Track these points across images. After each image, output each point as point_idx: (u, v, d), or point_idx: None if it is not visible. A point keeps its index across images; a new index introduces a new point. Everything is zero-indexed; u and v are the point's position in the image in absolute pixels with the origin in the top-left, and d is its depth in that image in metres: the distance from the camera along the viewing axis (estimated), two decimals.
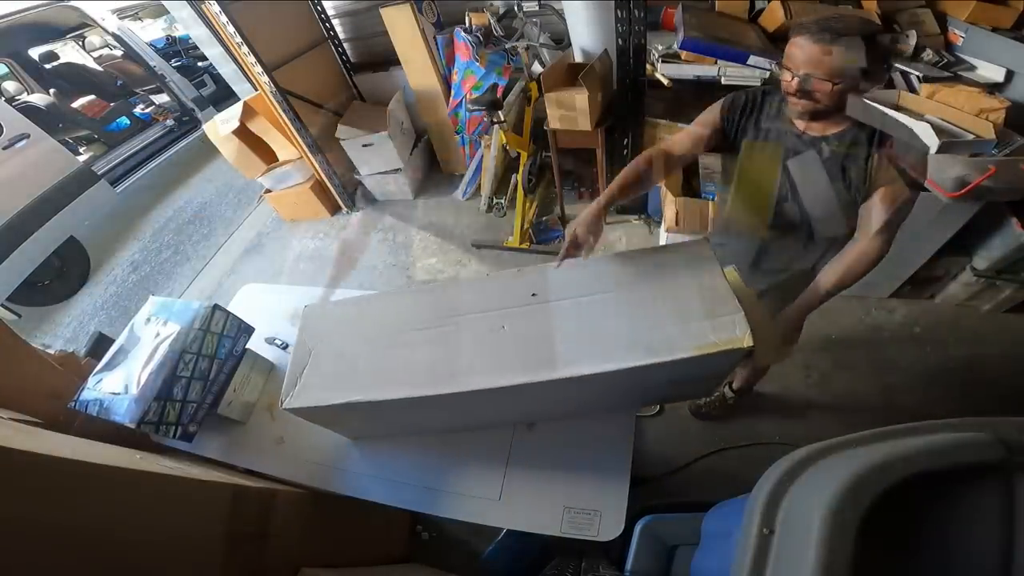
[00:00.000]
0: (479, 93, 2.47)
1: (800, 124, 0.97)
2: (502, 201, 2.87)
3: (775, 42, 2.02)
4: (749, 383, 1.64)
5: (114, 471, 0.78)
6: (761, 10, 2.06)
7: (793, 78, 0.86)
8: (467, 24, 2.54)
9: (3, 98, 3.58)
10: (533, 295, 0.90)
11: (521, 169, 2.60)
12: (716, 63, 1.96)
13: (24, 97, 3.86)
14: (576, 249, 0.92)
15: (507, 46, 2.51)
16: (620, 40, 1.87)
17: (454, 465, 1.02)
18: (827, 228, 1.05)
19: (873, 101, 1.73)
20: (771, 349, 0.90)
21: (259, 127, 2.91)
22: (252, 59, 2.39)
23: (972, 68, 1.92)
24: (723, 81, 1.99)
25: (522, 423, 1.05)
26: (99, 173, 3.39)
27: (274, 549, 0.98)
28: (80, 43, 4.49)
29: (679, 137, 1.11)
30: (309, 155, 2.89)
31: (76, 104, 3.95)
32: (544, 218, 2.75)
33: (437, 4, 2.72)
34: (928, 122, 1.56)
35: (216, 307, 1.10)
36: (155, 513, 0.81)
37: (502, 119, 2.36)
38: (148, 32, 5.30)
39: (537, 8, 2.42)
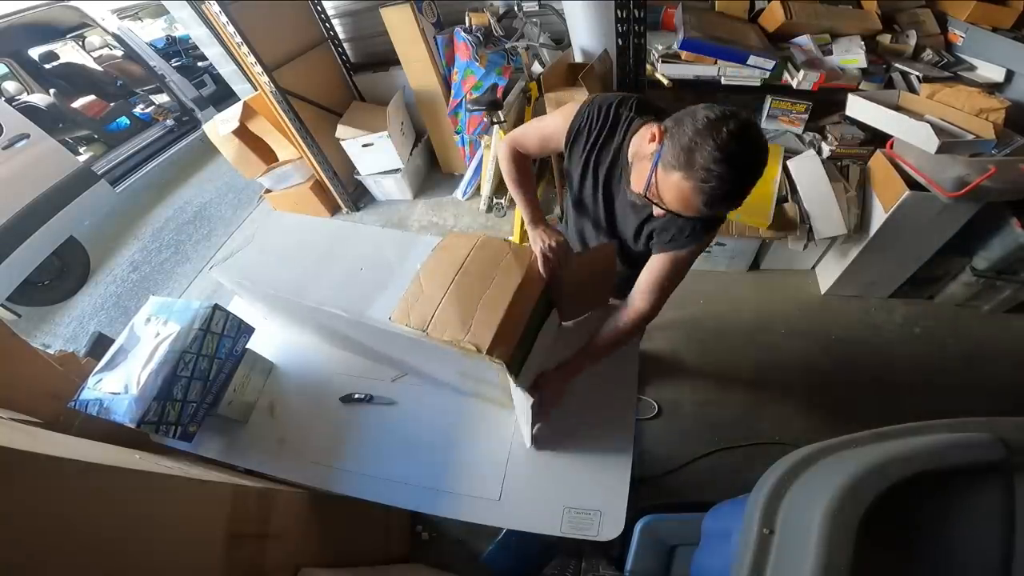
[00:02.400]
0: (479, 93, 2.47)
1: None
2: (502, 201, 2.87)
3: (775, 42, 2.03)
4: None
5: (114, 471, 0.78)
6: (761, 10, 2.06)
7: (665, 212, 0.77)
8: (467, 24, 2.54)
9: (3, 98, 3.58)
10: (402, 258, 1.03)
11: None
12: (716, 63, 1.96)
13: (24, 97, 3.85)
14: (551, 263, 0.92)
15: (507, 46, 2.51)
16: (620, 40, 1.87)
17: (454, 465, 1.02)
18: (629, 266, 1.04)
19: (873, 101, 1.75)
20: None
21: (259, 127, 2.91)
22: (252, 59, 2.38)
23: (972, 68, 1.93)
24: (723, 81, 1.99)
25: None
26: (99, 173, 3.39)
27: (274, 549, 0.98)
28: (80, 43, 4.48)
29: (530, 138, 1.05)
30: (309, 155, 2.89)
31: (76, 104, 3.95)
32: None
33: (437, 4, 2.72)
34: (928, 122, 1.56)
35: (216, 307, 1.10)
36: (155, 513, 0.81)
37: (502, 119, 2.36)
38: (148, 32, 5.29)
39: (537, 8, 2.41)
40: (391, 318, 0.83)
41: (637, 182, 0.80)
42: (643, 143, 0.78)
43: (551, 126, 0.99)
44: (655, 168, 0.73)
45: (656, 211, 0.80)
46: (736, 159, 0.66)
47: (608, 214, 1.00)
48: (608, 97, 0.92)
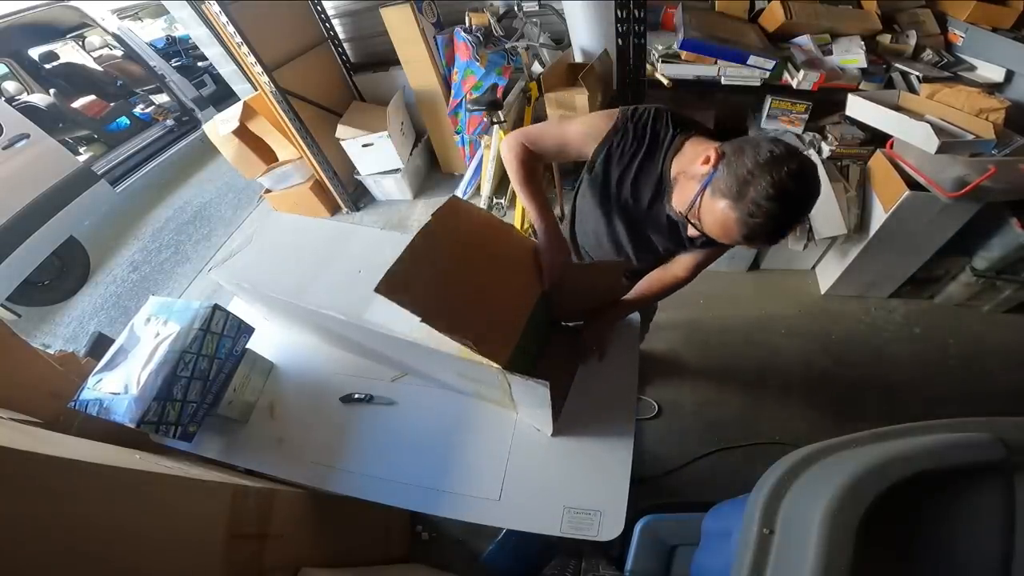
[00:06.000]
0: (479, 93, 2.47)
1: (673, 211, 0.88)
2: (502, 201, 2.87)
3: (775, 42, 2.03)
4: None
5: (114, 471, 0.78)
6: (761, 10, 2.06)
7: (699, 235, 0.79)
8: (467, 24, 2.54)
9: (3, 98, 3.58)
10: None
11: None
12: (716, 63, 1.96)
13: (24, 97, 3.85)
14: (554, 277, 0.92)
15: (507, 46, 2.51)
16: (620, 40, 1.87)
17: (454, 465, 1.02)
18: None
19: (873, 101, 1.75)
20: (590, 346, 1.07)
21: (259, 127, 2.91)
22: (252, 59, 2.39)
23: (972, 68, 1.93)
24: (723, 81, 1.98)
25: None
26: (99, 173, 3.39)
27: (274, 549, 0.98)
28: (80, 43, 4.48)
29: (549, 141, 0.97)
30: (309, 155, 2.89)
31: (76, 104, 3.95)
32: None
33: (437, 4, 2.72)
34: (928, 122, 1.56)
35: (216, 307, 1.10)
36: (155, 513, 0.81)
37: (502, 119, 2.36)
38: (148, 32, 5.29)
39: (537, 8, 2.41)
40: (376, 289, 0.76)
41: (680, 200, 0.79)
42: (692, 163, 0.78)
43: (574, 136, 0.94)
44: (702, 191, 0.73)
45: (691, 231, 0.80)
46: (788, 199, 0.65)
47: (638, 232, 1.02)
48: (640, 114, 0.88)
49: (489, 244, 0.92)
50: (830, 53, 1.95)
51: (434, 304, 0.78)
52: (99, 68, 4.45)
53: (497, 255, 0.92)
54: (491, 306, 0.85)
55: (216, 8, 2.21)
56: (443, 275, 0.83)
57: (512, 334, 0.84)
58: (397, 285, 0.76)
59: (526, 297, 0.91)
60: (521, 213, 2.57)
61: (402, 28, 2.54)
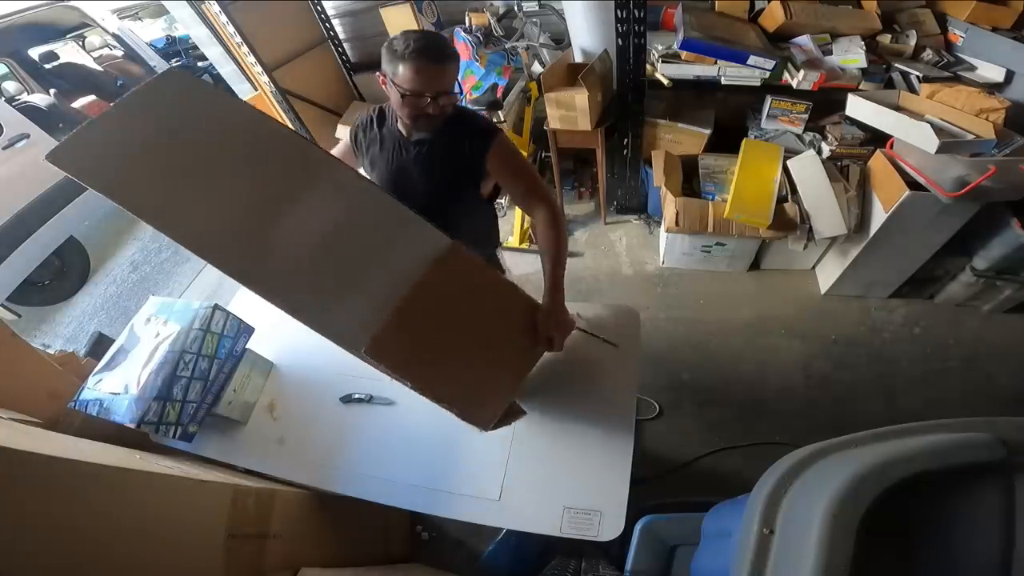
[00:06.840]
0: (479, 93, 2.47)
1: (406, 131, 1.07)
2: (502, 201, 2.87)
3: (775, 42, 2.03)
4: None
5: (114, 471, 0.78)
6: (761, 10, 2.06)
7: (428, 100, 0.93)
8: (467, 24, 2.54)
9: (3, 98, 3.58)
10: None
11: None
12: (716, 63, 1.96)
13: (24, 97, 3.84)
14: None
15: (507, 46, 2.51)
16: (620, 40, 1.87)
17: (454, 465, 1.02)
18: (451, 211, 1.04)
19: (873, 101, 1.75)
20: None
21: None
22: (252, 59, 2.39)
23: (972, 68, 1.93)
24: (723, 81, 1.99)
25: None
26: None
27: (274, 549, 0.98)
28: (80, 43, 4.48)
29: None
30: None
31: (76, 104, 3.94)
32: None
33: (437, 4, 2.72)
34: (928, 122, 1.56)
35: (216, 307, 1.10)
36: (155, 513, 0.81)
37: (502, 119, 2.36)
38: (148, 32, 5.29)
39: (537, 8, 2.42)
40: (364, 351, 0.72)
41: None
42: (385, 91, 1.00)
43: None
44: (390, 84, 0.95)
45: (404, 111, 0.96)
46: (416, 33, 0.95)
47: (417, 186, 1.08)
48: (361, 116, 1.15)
49: (486, 299, 0.88)
50: (830, 53, 1.95)
51: (422, 366, 0.78)
52: (99, 68, 4.44)
53: (494, 312, 0.88)
54: (483, 368, 0.84)
55: (216, 8, 2.21)
56: (434, 333, 0.82)
57: (501, 403, 0.84)
58: (385, 348, 0.75)
59: (521, 363, 0.88)
60: (520, 214, 2.57)
61: (402, 28, 2.53)
